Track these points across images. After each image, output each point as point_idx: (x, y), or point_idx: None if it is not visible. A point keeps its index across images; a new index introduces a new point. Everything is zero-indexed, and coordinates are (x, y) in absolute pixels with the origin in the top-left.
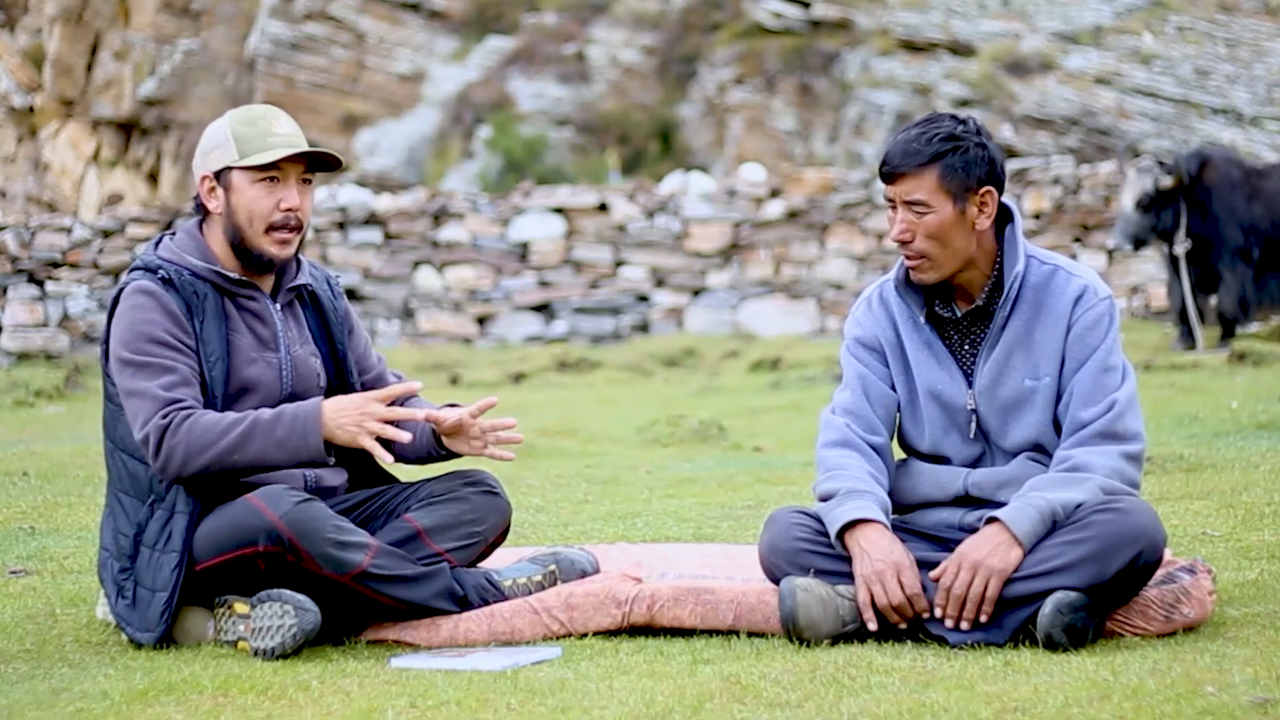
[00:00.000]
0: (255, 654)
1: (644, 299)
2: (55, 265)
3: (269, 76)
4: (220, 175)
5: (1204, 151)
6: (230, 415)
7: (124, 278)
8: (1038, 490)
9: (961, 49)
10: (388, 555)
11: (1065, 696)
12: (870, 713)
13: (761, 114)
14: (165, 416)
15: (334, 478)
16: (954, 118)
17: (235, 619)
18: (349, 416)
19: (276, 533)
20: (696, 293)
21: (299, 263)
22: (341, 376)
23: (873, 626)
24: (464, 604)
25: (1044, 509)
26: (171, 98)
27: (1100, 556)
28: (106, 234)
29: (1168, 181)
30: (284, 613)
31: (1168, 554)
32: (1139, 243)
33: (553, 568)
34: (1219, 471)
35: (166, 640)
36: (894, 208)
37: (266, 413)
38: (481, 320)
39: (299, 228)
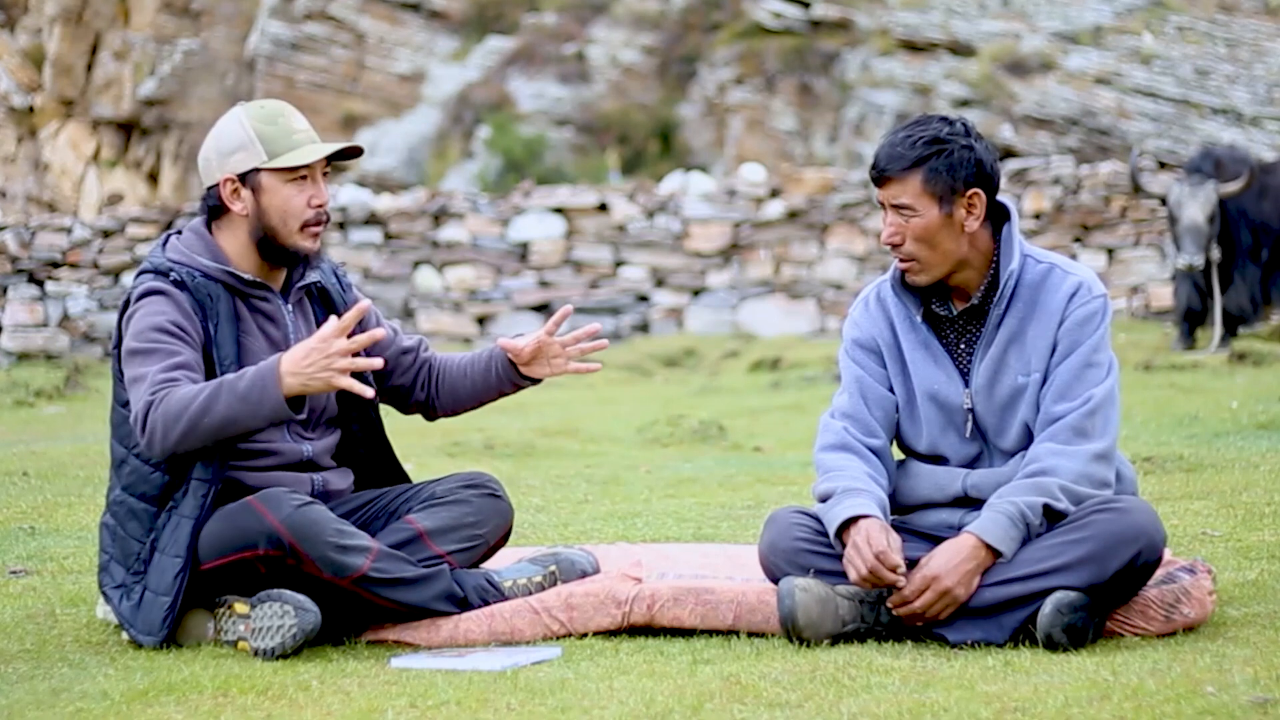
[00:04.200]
0: (255, 654)
1: (644, 299)
2: (55, 265)
3: (269, 76)
4: (245, 177)
5: (1214, 152)
6: (203, 383)
7: (134, 281)
8: (1003, 496)
9: (961, 49)
10: (388, 558)
11: (1065, 696)
12: (870, 713)
13: (761, 114)
14: (153, 393)
15: (340, 481)
16: (944, 119)
17: (235, 619)
18: (313, 363)
19: (277, 536)
20: (696, 293)
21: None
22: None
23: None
24: (464, 605)
25: (1012, 513)
26: (171, 98)
27: (1100, 556)
28: (106, 234)
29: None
30: (284, 613)
31: (1168, 554)
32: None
33: (553, 568)
34: (1219, 471)
35: (169, 643)
36: (885, 210)
37: (231, 375)
38: (481, 320)
39: (328, 220)
